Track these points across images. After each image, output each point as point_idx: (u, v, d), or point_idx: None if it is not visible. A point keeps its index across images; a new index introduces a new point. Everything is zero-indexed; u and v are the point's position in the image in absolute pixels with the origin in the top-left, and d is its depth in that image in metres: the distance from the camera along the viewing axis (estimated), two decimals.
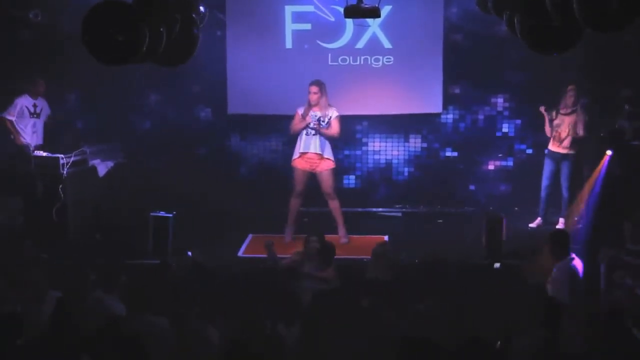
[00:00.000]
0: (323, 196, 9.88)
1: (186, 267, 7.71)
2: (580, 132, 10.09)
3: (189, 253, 8.53)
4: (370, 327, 5.80)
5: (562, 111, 10.14)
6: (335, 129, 9.66)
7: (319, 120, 9.59)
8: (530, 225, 10.38)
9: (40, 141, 10.30)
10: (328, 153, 9.77)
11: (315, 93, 9.59)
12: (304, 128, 9.67)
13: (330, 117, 9.64)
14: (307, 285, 7.35)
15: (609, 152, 9.55)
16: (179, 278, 7.34)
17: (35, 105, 10.27)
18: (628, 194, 9.14)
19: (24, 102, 10.20)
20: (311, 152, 9.70)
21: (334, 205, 9.88)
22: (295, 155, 9.82)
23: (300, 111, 9.71)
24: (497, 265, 8.65)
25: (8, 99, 10.20)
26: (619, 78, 10.46)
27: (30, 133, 10.25)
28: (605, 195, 9.36)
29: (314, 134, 9.66)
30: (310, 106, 9.63)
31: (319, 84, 9.65)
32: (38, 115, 10.31)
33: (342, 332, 5.62)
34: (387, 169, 11.61)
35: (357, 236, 10.06)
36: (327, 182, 9.79)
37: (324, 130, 9.63)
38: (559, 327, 5.52)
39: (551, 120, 10.18)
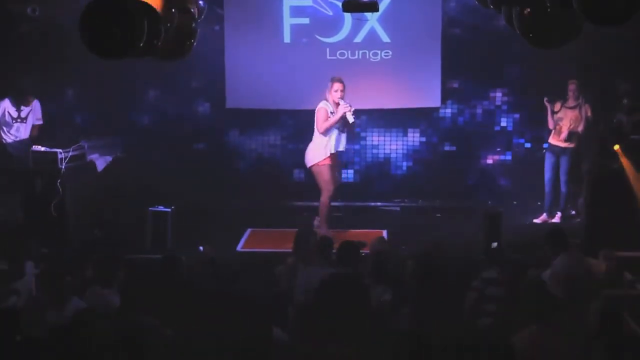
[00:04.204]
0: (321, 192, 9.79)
1: (198, 263, 7.59)
2: (579, 128, 10.08)
3: (201, 248, 8.46)
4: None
5: (565, 105, 10.13)
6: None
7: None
8: (535, 220, 10.36)
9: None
10: None
11: (342, 90, 9.52)
12: (338, 121, 9.55)
13: None
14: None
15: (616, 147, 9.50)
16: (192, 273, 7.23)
17: (19, 110, 10.15)
18: (626, 190, 9.12)
19: (6, 106, 10.11)
20: (339, 150, 9.72)
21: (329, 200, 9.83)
22: (325, 155, 9.62)
23: (329, 108, 9.58)
24: (494, 244, 8.66)
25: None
26: (617, 72, 10.45)
27: (13, 138, 10.17)
28: (600, 191, 9.31)
29: (341, 131, 9.59)
30: (335, 104, 9.54)
31: (342, 80, 9.58)
32: (23, 120, 10.18)
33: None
34: (386, 163, 11.60)
35: (356, 230, 10.04)
36: (337, 176, 9.85)
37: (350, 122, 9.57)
38: (556, 322, 5.51)
39: (553, 112, 10.17)
